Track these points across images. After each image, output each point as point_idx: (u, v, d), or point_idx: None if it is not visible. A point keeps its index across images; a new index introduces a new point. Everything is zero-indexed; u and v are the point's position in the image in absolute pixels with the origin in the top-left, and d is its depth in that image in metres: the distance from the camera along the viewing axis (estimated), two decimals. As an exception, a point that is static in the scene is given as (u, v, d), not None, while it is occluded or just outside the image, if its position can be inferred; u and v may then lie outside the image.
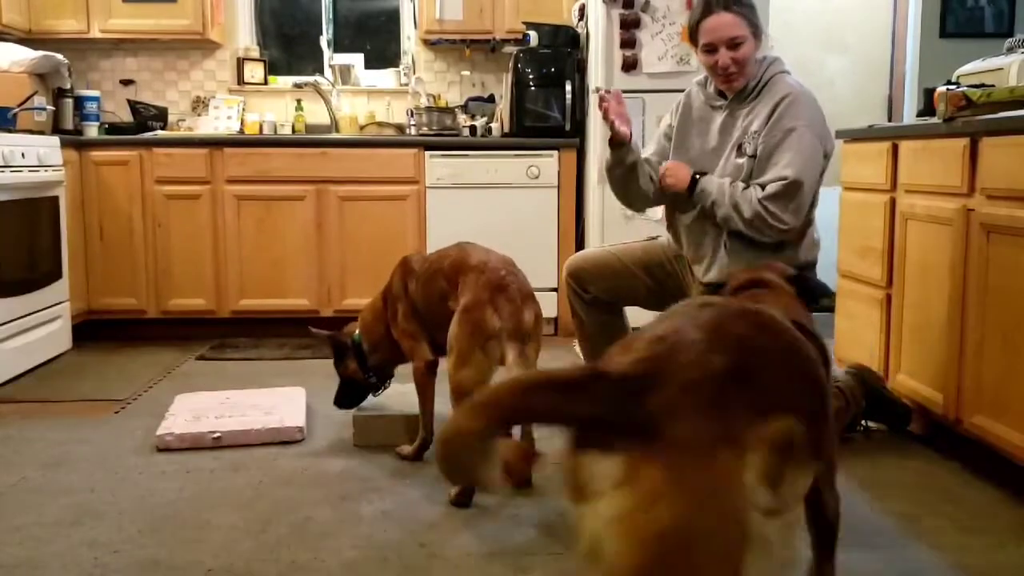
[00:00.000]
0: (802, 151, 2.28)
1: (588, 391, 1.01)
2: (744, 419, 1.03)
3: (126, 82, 4.83)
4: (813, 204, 2.43)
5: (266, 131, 4.70)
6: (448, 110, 4.52)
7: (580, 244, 4.24)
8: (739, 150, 2.38)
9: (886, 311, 2.81)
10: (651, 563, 0.95)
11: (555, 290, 4.23)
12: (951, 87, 2.53)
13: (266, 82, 4.86)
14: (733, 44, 2.34)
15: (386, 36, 5.09)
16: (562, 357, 3.85)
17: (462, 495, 2.16)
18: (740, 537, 0.99)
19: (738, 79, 2.40)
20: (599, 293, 2.65)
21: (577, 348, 3.91)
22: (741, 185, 2.33)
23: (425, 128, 4.39)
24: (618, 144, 2.42)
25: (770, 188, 2.27)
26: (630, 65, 3.94)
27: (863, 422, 2.69)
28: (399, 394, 2.72)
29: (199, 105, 4.84)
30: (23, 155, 3.46)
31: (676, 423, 0.98)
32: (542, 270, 4.17)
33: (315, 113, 4.80)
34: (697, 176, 2.38)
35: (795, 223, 2.29)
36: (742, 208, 2.29)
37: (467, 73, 4.87)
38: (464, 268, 2.28)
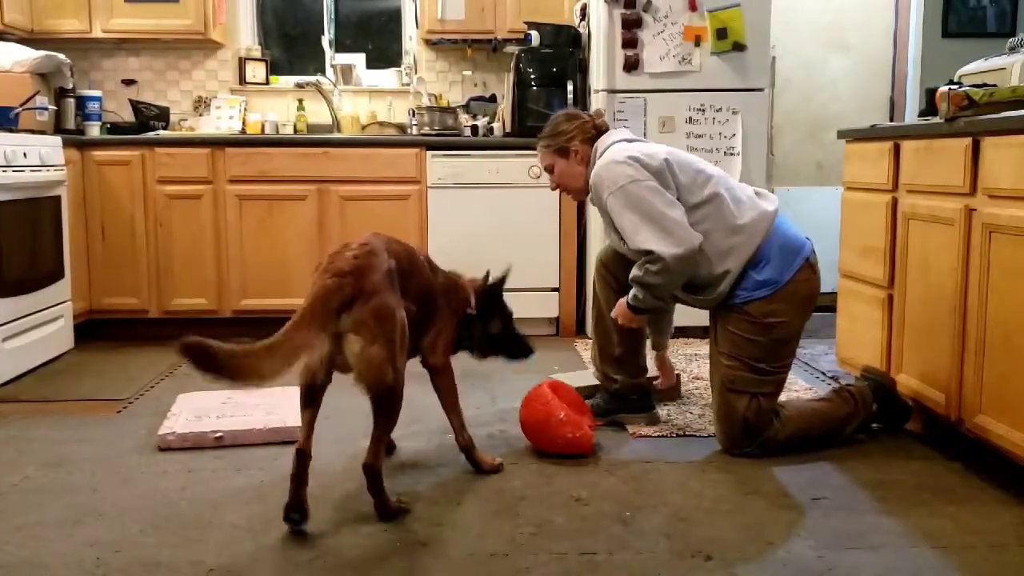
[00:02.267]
0: (625, 212, 2.46)
1: (342, 285, 1.95)
2: (399, 296, 2.05)
3: (128, 82, 4.83)
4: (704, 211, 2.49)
5: (268, 131, 4.70)
6: (450, 110, 4.52)
7: (582, 244, 4.25)
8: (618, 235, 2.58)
9: (888, 311, 2.81)
10: (374, 370, 1.96)
11: (556, 290, 4.24)
12: (953, 87, 2.53)
13: (268, 82, 4.86)
14: (548, 170, 2.73)
15: (388, 36, 5.10)
16: (563, 359, 3.84)
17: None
18: (403, 352, 2.04)
19: (570, 192, 2.76)
20: (628, 282, 2.65)
21: (579, 347, 3.92)
22: (633, 275, 2.49)
23: (427, 128, 4.39)
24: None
25: (638, 262, 2.48)
26: (632, 65, 3.94)
27: (872, 425, 2.69)
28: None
29: (201, 105, 4.85)
30: (25, 155, 3.46)
31: (380, 296, 1.98)
32: (543, 270, 4.18)
33: (317, 113, 4.81)
34: (628, 302, 2.56)
35: (675, 243, 2.40)
36: (647, 282, 2.45)
37: (469, 73, 4.87)
38: None
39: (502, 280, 2.51)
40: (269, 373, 1.82)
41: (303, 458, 2.04)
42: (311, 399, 2.08)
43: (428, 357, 2.38)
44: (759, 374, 2.47)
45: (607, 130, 2.67)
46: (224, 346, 1.79)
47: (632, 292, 2.52)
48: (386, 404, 2.02)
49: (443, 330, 2.39)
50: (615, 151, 2.55)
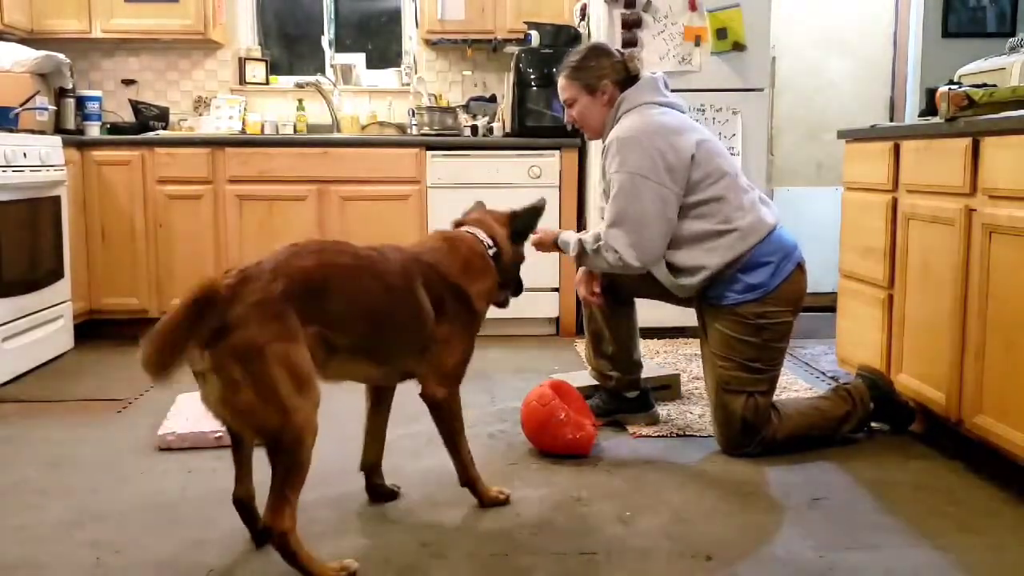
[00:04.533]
0: (620, 196, 2.44)
1: (204, 312, 1.61)
2: (291, 324, 1.69)
3: (128, 82, 4.83)
4: (693, 210, 2.47)
5: (268, 131, 4.70)
6: (450, 110, 4.52)
7: (582, 244, 4.25)
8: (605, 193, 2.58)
9: (888, 311, 2.81)
10: (245, 417, 1.69)
11: (556, 290, 4.24)
12: (953, 87, 2.53)
13: (268, 82, 4.87)
14: (569, 104, 2.63)
15: (387, 36, 5.10)
16: (563, 359, 3.85)
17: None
18: (295, 388, 1.68)
19: (587, 131, 2.68)
20: (614, 282, 2.65)
21: (579, 347, 3.92)
22: (589, 238, 2.50)
23: (427, 128, 4.39)
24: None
25: (597, 243, 2.48)
26: (632, 65, 3.93)
27: (869, 424, 2.69)
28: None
29: (201, 105, 4.85)
30: (25, 155, 3.46)
31: (242, 328, 1.64)
32: (543, 270, 4.17)
33: (317, 113, 4.81)
34: (559, 243, 2.61)
35: (638, 255, 2.42)
36: (591, 255, 2.49)
37: (469, 73, 4.87)
38: None
39: (530, 214, 2.30)
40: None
41: (240, 507, 1.91)
42: (233, 438, 1.90)
43: (423, 385, 2.05)
44: (753, 373, 2.47)
45: (637, 74, 2.59)
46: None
47: (572, 243, 2.53)
48: (279, 450, 1.68)
49: (444, 350, 2.02)
50: (645, 121, 2.47)
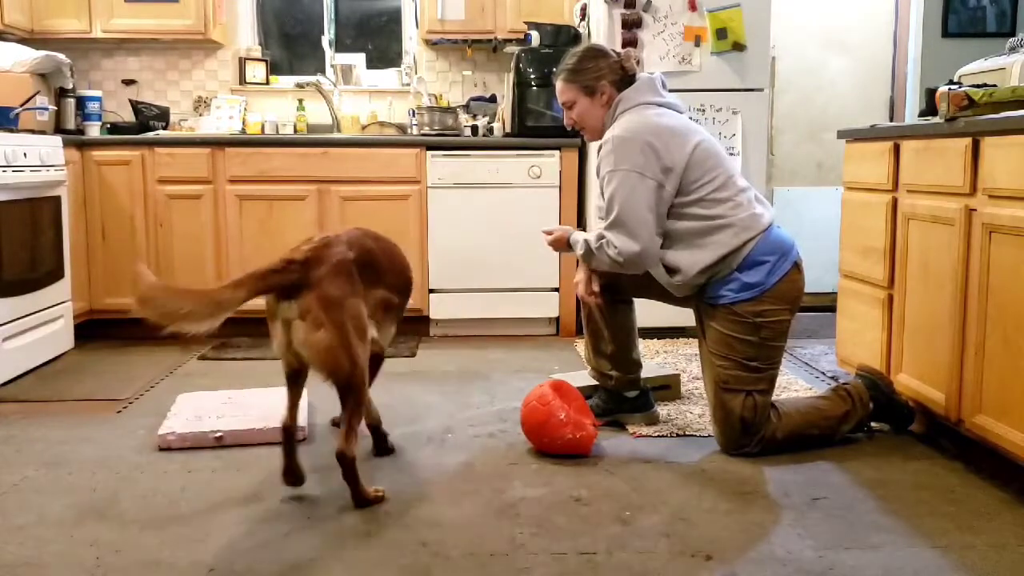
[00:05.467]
0: (617, 194, 2.46)
1: (286, 270, 2.03)
2: (362, 286, 2.14)
3: (128, 82, 4.83)
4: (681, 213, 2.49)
5: (268, 131, 4.70)
6: (450, 110, 4.52)
7: (582, 244, 4.24)
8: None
9: (888, 311, 2.81)
10: (324, 355, 2.03)
11: (556, 290, 4.24)
12: (953, 87, 2.53)
13: (268, 82, 4.87)
14: (568, 106, 2.66)
15: (388, 36, 5.10)
16: (563, 359, 3.85)
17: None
18: (359, 338, 2.08)
19: (587, 132, 2.69)
20: (613, 281, 2.65)
21: (579, 347, 3.92)
22: (592, 236, 2.54)
23: (427, 128, 4.39)
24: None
25: (600, 241, 2.51)
26: (632, 65, 3.93)
27: (869, 424, 2.69)
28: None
29: (201, 105, 4.85)
30: (25, 155, 3.46)
31: (326, 284, 2.04)
32: (543, 270, 4.18)
33: (317, 113, 4.81)
34: (571, 242, 2.65)
35: (638, 251, 2.44)
36: (595, 253, 2.51)
37: (469, 73, 4.87)
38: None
39: None
40: (184, 317, 1.94)
41: (286, 434, 2.22)
42: (292, 381, 2.23)
43: (381, 345, 2.45)
44: (752, 372, 2.47)
45: (634, 74, 2.61)
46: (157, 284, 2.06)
47: (580, 242, 2.56)
48: (349, 390, 2.09)
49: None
50: (642, 121, 2.49)
